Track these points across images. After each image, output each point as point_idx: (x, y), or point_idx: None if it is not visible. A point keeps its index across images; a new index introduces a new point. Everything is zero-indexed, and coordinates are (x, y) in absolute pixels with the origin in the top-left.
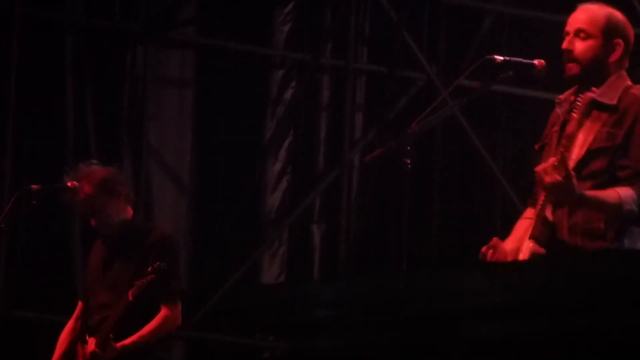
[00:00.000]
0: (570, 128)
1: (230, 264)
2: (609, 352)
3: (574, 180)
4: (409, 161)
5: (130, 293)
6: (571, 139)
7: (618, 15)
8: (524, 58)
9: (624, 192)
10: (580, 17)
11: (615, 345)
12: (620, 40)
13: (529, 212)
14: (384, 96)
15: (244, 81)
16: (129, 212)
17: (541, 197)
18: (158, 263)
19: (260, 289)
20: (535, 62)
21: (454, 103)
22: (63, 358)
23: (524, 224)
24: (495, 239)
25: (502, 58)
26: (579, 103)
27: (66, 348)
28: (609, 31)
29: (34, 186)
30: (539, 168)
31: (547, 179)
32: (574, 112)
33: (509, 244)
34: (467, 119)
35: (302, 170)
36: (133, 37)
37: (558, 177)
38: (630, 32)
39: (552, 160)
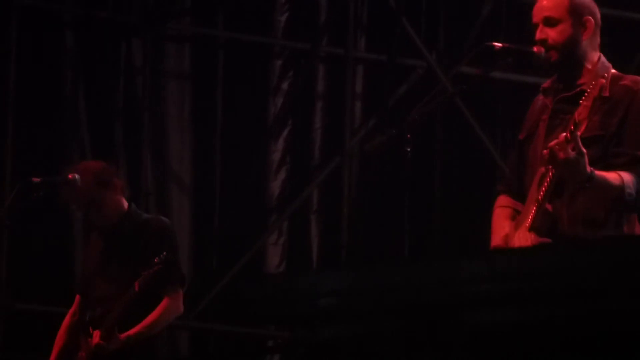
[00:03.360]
0: (580, 115)
1: (232, 254)
2: (610, 339)
3: (586, 158)
4: (409, 149)
5: (136, 284)
6: (580, 124)
7: None
8: (524, 44)
9: (625, 176)
10: (544, 5)
11: (616, 332)
12: (589, 17)
13: (504, 200)
14: (384, 84)
15: (243, 72)
16: (125, 204)
17: (542, 188)
18: (165, 253)
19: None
20: (534, 48)
21: (454, 90)
22: (62, 353)
23: (505, 213)
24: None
25: (501, 45)
26: (589, 90)
27: (65, 343)
28: (575, 10)
29: (35, 179)
30: (552, 144)
31: (561, 155)
32: (584, 99)
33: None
34: (467, 106)
35: (301, 160)
36: (129, 29)
37: (572, 153)
38: (596, 8)
39: (563, 136)
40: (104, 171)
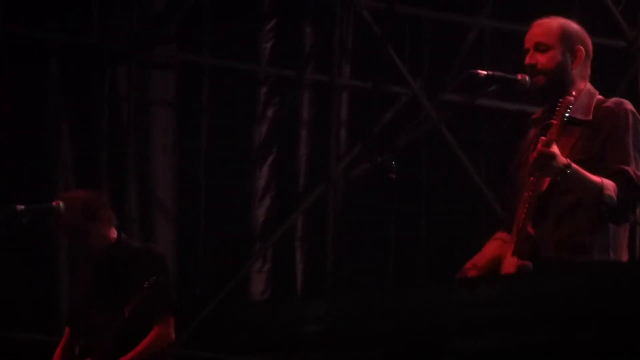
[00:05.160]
0: (550, 134)
1: (217, 281)
2: None
3: (557, 149)
4: (394, 176)
5: (126, 310)
6: (550, 143)
7: (572, 23)
8: (508, 72)
9: (606, 180)
10: (536, 32)
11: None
12: (580, 47)
13: (501, 234)
14: (369, 111)
15: (228, 99)
16: (113, 234)
17: (521, 213)
18: (154, 278)
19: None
20: (519, 76)
21: (438, 117)
22: None
23: (495, 245)
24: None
25: (485, 72)
26: (558, 108)
27: None
28: (566, 38)
29: (19, 206)
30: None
31: (533, 154)
32: (554, 119)
33: (481, 261)
34: (452, 133)
35: (286, 187)
36: (114, 56)
37: (542, 148)
38: (588, 39)
39: (539, 145)
40: (91, 202)
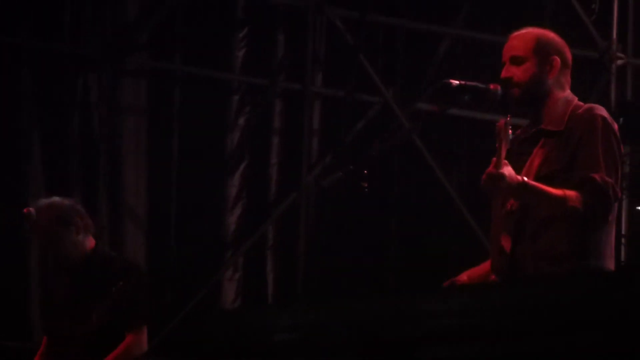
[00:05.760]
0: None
1: (188, 289)
2: None
3: (510, 168)
4: (366, 185)
5: (93, 317)
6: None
7: (548, 34)
8: (480, 82)
9: (568, 192)
10: (511, 45)
11: None
12: (555, 57)
13: None
14: (341, 120)
15: (200, 107)
16: (91, 242)
17: (496, 230)
18: (121, 284)
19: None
20: (491, 86)
21: (410, 127)
22: None
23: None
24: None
25: (457, 82)
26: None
27: None
28: (541, 49)
29: None
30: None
31: (483, 177)
32: (498, 144)
33: (474, 275)
34: (424, 142)
35: (258, 195)
36: (85, 63)
37: (492, 170)
38: (565, 48)
39: (490, 168)
40: (66, 210)
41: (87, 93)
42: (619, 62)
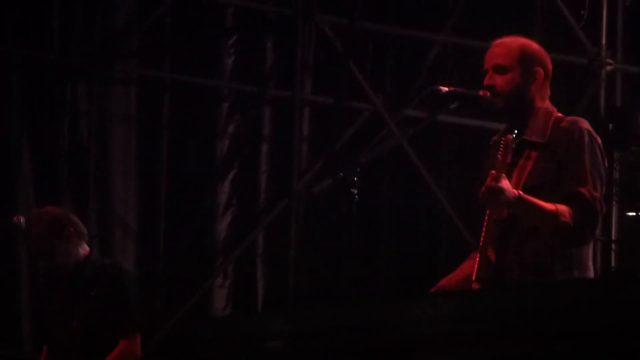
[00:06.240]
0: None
1: (178, 297)
2: None
3: (507, 182)
4: (356, 192)
5: (75, 321)
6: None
7: (532, 44)
8: (470, 89)
9: (560, 207)
10: (495, 53)
11: None
12: (539, 68)
13: (475, 254)
14: (331, 127)
15: (189, 114)
16: (85, 250)
17: (482, 238)
18: (104, 287)
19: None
20: (480, 92)
21: (400, 133)
22: None
23: (471, 264)
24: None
25: (447, 89)
26: (501, 144)
27: None
28: (525, 60)
29: None
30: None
31: (482, 189)
32: (499, 153)
33: (454, 278)
34: (414, 149)
35: (248, 203)
36: (75, 71)
37: (491, 183)
38: (547, 59)
39: (488, 180)
40: (59, 219)
41: (76, 101)
42: (608, 68)
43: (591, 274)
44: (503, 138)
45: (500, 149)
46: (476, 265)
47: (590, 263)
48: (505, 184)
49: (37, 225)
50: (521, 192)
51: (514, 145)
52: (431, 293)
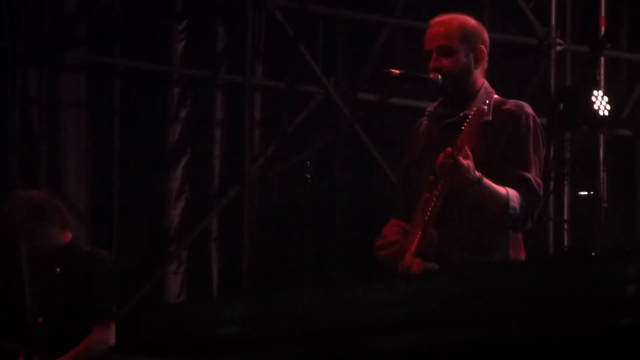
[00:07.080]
0: (462, 141)
1: (132, 284)
2: None
3: (472, 163)
4: (309, 176)
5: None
6: (462, 149)
7: (470, 20)
8: (420, 71)
9: (511, 191)
10: (437, 33)
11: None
12: (481, 46)
13: (397, 222)
14: (282, 111)
15: (141, 100)
16: (66, 236)
17: (427, 213)
18: (58, 270)
19: (162, 308)
20: (431, 75)
21: (352, 117)
22: None
23: (396, 231)
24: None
25: (398, 72)
26: (471, 116)
27: None
28: (467, 39)
29: None
30: (440, 157)
31: (451, 160)
32: (466, 126)
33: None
34: (366, 132)
35: (201, 188)
36: (24, 58)
37: (461, 158)
38: (486, 35)
39: (448, 149)
40: (41, 203)
41: (27, 88)
42: (558, 48)
43: (523, 254)
44: (474, 110)
45: (467, 122)
46: (417, 240)
47: (522, 244)
48: (471, 163)
49: (20, 207)
50: (480, 175)
51: (484, 119)
52: (386, 276)
